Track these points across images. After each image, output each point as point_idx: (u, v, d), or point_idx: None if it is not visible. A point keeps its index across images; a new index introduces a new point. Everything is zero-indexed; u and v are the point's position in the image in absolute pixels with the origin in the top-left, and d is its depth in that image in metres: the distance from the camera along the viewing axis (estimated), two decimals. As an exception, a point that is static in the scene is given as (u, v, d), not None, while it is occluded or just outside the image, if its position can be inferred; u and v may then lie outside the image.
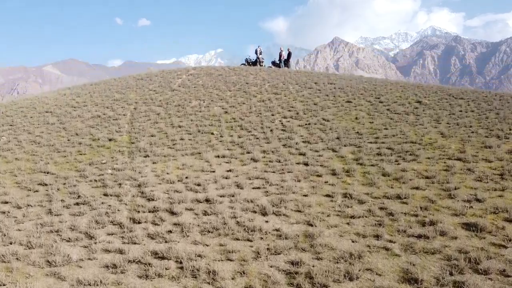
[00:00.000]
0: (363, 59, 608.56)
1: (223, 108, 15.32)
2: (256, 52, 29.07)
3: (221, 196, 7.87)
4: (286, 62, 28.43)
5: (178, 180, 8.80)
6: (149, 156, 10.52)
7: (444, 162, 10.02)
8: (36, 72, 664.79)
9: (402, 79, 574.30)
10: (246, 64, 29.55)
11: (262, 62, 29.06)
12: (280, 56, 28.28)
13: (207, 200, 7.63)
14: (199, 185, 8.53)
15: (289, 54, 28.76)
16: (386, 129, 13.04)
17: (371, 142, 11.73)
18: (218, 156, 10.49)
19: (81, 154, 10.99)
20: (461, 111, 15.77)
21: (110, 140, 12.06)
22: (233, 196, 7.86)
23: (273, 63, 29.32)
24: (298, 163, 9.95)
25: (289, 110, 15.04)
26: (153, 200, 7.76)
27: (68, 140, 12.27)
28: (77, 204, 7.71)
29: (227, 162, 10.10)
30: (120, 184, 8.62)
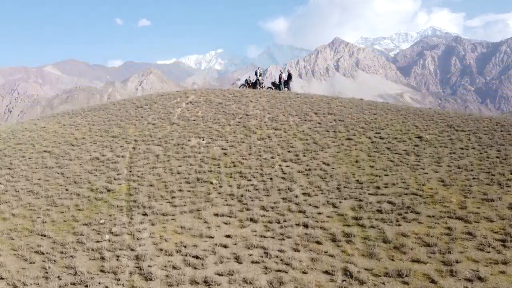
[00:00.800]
0: (363, 59, 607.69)
1: (222, 149, 15.21)
2: (256, 74, 28.98)
3: (219, 275, 7.78)
4: (286, 84, 28.33)
5: (177, 251, 8.71)
6: (147, 215, 10.42)
7: (445, 223, 9.93)
8: (37, 72, 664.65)
9: (402, 79, 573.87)
10: (246, 85, 29.47)
11: (262, 83, 28.97)
12: (280, 78, 28.19)
13: (205, 282, 7.55)
14: (197, 257, 8.43)
15: (289, 76, 28.68)
16: (387, 175, 12.94)
17: (371, 194, 11.64)
18: (217, 215, 10.40)
19: (79, 210, 10.89)
20: (462, 148, 15.67)
21: (108, 190, 11.95)
22: (231, 274, 7.78)
23: (273, 84, 29.24)
24: (298, 225, 9.86)
25: (289, 151, 14.93)
26: (151, 280, 7.67)
27: (66, 190, 12.18)
28: (73, 284, 7.62)
29: (226, 223, 10.01)
30: (117, 256, 8.52)
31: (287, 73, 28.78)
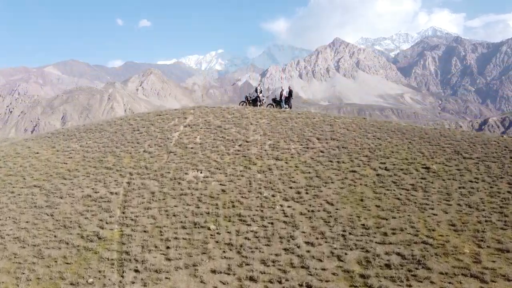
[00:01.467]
0: (363, 59, 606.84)
1: (221, 184, 14.50)
2: (256, 91, 28.29)
3: None
4: (287, 101, 27.65)
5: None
6: (139, 272, 9.72)
7: (460, 282, 9.25)
8: (37, 73, 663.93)
9: (403, 79, 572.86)
10: (246, 101, 28.77)
11: (263, 100, 28.27)
12: (281, 95, 27.51)
13: None
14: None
15: (290, 92, 27.98)
16: (394, 217, 12.25)
17: (379, 243, 10.95)
18: (215, 272, 9.70)
19: (67, 263, 10.20)
20: (471, 181, 14.98)
21: (99, 238, 11.26)
22: None
23: (274, 100, 28.54)
24: (301, 285, 9.17)
25: (291, 187, 14.23)
26: None
27: (55, 236, 11.48)
28: None
29: (223, 283, 9.32)
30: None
31: (288, 90, 28.08)
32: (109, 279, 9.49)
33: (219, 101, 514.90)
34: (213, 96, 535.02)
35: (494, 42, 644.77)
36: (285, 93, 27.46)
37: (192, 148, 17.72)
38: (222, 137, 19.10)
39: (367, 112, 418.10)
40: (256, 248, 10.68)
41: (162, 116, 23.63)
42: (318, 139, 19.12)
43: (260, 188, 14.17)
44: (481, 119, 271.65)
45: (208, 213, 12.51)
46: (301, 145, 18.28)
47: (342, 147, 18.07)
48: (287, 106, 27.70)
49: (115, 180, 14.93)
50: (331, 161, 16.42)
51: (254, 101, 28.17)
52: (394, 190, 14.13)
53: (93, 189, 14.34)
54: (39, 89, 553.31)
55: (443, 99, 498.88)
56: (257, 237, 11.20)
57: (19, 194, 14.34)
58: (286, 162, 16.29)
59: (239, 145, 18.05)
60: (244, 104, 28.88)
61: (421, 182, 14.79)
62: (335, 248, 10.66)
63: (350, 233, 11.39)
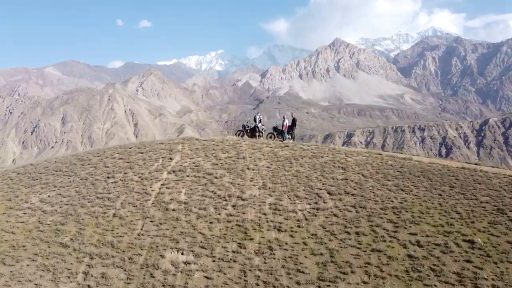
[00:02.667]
0: (364, 60, 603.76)
1: (206, 277, 11.04)
2: (255, 120, 24.88)
3: None
4: (290, 131, 24.23)
5: None
6: None
7: None
8: (37, 73, 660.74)
9: (403, 80, 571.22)
10: (243, 131, 25.37)
11: (262, 131, 24.85)
12: (283, 126, 24.06)
13: None
14: None
15: (293, 121, 24.53)
16: None
17: None
18: None
19: None
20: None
21: None
22: None
23: (275, 129, 25.12)
24: None
25: (298, 282, 10.77)
26: None
27: None
28: None
29: None
30: None
31: (291, 118, 24.65)
32: None
33: (219, 102, 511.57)
34: (213, 97, 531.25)
35: (494, 42, 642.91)
36: (286, 122, 24.03)
37: (174, 210, 14.24)
38: (213, 191, 15.62)
39: (367, 112, 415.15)
40: None
41: (144, 155, 20.16)
42: (329, 193, 15.65)
43: (257, 283, 10.72)
44: (482, 120, 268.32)
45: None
46: (309, 204, 14.81)
47: (360, 207, 14.61)
48: (289, 137, 24.31)
49: (67, 269, 11.45)
50: (348, 232, 12.96)
51: (252, 131, 24.84)
52: (434, 285, 10.70)
53: (36, 284, 10.86)
54: (39, 90, 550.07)
55: (443, 100, 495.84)
56: None
57: None
58: (292, 235, 12.82)
59: (233, 205, 14.56)
60: (241, 134, 25.56)
61: (468, 269, 11.36)
62: None
63: None
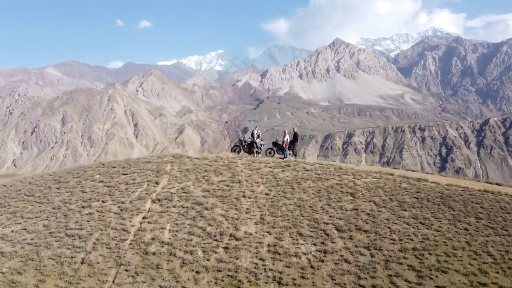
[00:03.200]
0: (364, 60, 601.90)
1: None
2: (252, 135, 22.65)
3: None
4: (292, 147, 21.99)
5: None
6: None
7: None
8: (37, 74, 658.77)
9: (403, 80, 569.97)
10: (240, 146, 23.15)
11: (261, 147, 22.61)
12: (283, 143, 21.78)
13: None
14: None
15: (294, 136, 22.28)
16: None
17: None
18: None
19: None
20: None
21: None
22: None
23: (275, 144, 22.89)
24: None
25: None
26: None
27: None
28: None
29: None
30: None
31: (293, 133, 22.40)
32: None
33: (219, 102, 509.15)
34: (213, 97, 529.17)
35: (494, 42, 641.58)
36: (288, 138, 21.76)
37: (154, 254, 11.96)
38: (202, 228, 13.34)
39: (368, 112, 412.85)
40: None
41: (128, 177, 17.90)
42: (338, 229, 13.39)
43: None
44: (482, 120, 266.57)
45: None
46: (315, 244, 12.54)
47: (375, 248, 12.37)
48: (290, 153, 22.09)
49: None
50: (362, 286, 10.72)
51: (249, 146, 22.61)
52: None
53: None
54: (39, 90, 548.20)
55: (443, 100, 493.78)
56: None
57: None
58: (295, 291, 10.57)
59: (225, 247, 12.28)
60: (238, 150, 23.34)
61: None
62: None
63: None
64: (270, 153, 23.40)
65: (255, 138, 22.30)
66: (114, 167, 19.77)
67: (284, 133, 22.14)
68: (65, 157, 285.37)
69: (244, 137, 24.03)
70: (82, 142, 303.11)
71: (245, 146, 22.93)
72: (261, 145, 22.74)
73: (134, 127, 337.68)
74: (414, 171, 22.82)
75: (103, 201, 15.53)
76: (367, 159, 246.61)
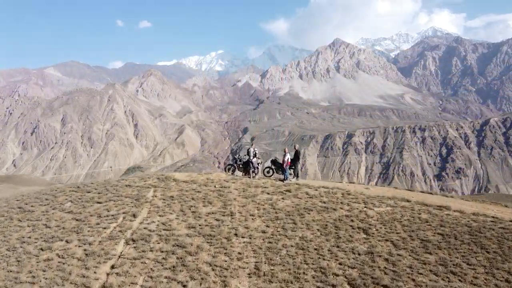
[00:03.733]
0: (364, 60, 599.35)
1: None
2: (248, 153, 20.03)
3: None
4: (293, 166, 19.40)
5: None
6: None
7: None
8: (37, 74, 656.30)
9: (403, 80, 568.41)
10: (234, 165, 20.57)
11: (258, 167, 20.02)
12: (284, 163, 19.14)
13: None
14: None
15: (296, 154, 19.68)
16: None
17: None
18: None
19: None
20: None
21: None
22: None
23: (274, 162, 20.30)
24: None
25: None
26: None
27: None
28: None
29: None
30: None
31: (294, 150, 19.82)
32: None
33: (219, 102, 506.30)
34: (213, 97, 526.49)
35: (494, 42, 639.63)
36: (288, 158, 19.13)
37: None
38: (182, 283, 10.76)
39: (368, 112, 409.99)
40: None
41: (102, 206, 15.31)
42: (351, 284, 10.82)
43: None
44: (482, 120, 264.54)
45: None
46: (323, 306, 9.98)
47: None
48: (291, 172, 19.53)
49: None
50: None
51: (245, 165, 20.06)
52: None
53: None
54: (39, 90, 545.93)
55: (443, 100, 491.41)
56: None
57: None
58: None
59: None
60: (232, 169, 20.77)
61: None
62: None
63: None
64: (268, 172, 20.96)
65: (252, 157, 19.73)
66: (89, 192, 17.18)
67: (285, 151, 19.44)
68: (65, 157, 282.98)
69: (239, 154, 21.41)
70: (82, 142, 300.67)
71: (240, 166, 20.47)
72: (258, 164, 20.23)
73: (134, 128, 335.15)
74: (432, 193, 20.23)
75: (67, 241, 12.93)
76: (367, 159, 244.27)
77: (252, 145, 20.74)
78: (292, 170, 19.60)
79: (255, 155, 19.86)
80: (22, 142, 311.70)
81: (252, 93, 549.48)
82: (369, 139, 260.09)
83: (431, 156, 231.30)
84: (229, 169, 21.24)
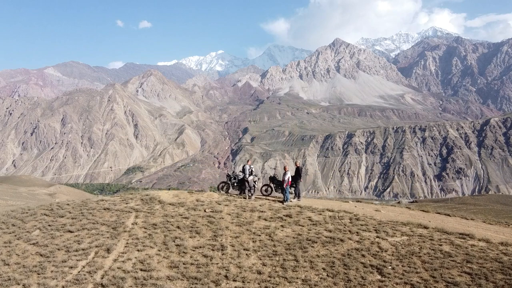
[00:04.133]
0: (364, 60, 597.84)
1: None
2: (244, 171, 17.91)
3: None
4: (295, 184, 17.30)
5: None
6: None
7: None
8: (37, 74, 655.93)
9: (403, 80, 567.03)
10: (229, 183, 18.46)
11: (254, 187, 17.89)
12: (284, 182, 16.97)
13: None
14: None
15: (297, 171, 17.55)
16: None
17: None
18: None
19: None
20: None
21: None
22: None
23: (273, 179, 18.17)
24: None
25: None
26: None
27: None
28: None
29: None
30: None
31: (295, 168, 17.70)
32: None
33: (220, 102, 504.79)
34: (213, 97, 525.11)
35: (494, 42, 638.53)
36: (289, 177, 16.97)
37: None
38: None
39: (368, 112, 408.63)
40: None
41: (72, 237, 13.20)
42: None
43: None
44: (483, 120, 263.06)
45: None
46: None
47: None
48: (292, 192, 17.44)
49: None
50: None
51: (240, 183, 18.06)
52: None
53: None
54: (39, 90, 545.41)
55: (444, 100, 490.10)
56: None
57: None
58: None
59: None
60: (226, 187, 18.73)
61: None
62: None
63: None
64: (266, 191, 18.86)
65: (247, 175, 17.68)
66: (61, 217, 15.06)
67: (285, 170, 17.13)
68: (65, 157, 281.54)
69: (234, 171, 19.36)
70: (82, 142, 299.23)
71: (235, 184, 18.45)
72: (255, 182, 18.17)
73: (134, 128, 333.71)
74: (449, 215, 18.10)
75: (24, 286, 10.82)
76: (367, 159, 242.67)
77: (248, 161, 18.59)
78: (293, 189, 17.51)
79: (251, 173, 17.83)
80: (22, 142, 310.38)
81: (252, 93, 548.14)
82: (369, 139, 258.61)
83: (432, 156, 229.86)
84: (222, 187, 19.18)
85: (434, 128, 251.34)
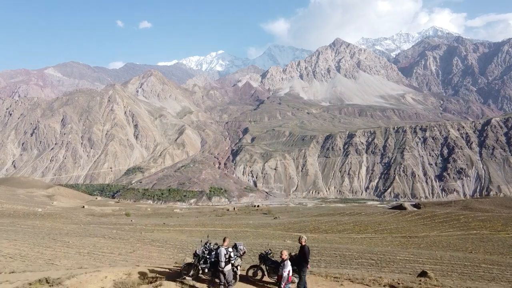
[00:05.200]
0: (364, 60, 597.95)
1: None
2: (218, 255, 12.36)
3: None
4: (299, 268, 12.62)
5: None
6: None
7: None
8: (38, 74, 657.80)
9: (404, 80, 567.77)
10: (197, 265, 13.16)
11: (236, 275, 12.88)
12: (282, 277, 11.87)
13: None
14: None
15: (302, 251, 12.67)
16: None
17: None
18: None
19: None
20: None
21: None
22: None
23: (264, 259, 13.77)
24: None
25: None
26: None
27: None
28: None
29: None
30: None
31: (300, 245, 12.79)
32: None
33: (220, 102, 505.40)
34: (214, 97, 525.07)
35: (495, 41, 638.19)
36: (289, 270, 11.92)
37: None
38: None
39: (369, 112, 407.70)
40: None
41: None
42: None
43: None
44: (483, 120, 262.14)
45: None
46: None
47: None
48: (294, 281, 12.62)
49: None
50: None
51: (213, 267, 12.72)
52: None
53: None
54: (40, 91, 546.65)
55: (444, 99, 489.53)
56: None
57: None
58: None
59: None
60: (192, 273, 13.05)
61: None
62: None
63: None
64: (255, 275, 13.69)
65: (222, 263, 12.07)
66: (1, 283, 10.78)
67: (282, 258, 12.18)
68: (65, 158, 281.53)
69: (206, 246, 13.36)
70: (82, 143, 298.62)
71: (206, 269, 12.98)
72: (235, 267, 12.81)
73: (134, 128, 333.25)
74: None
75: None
76: (368, 159, 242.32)
77: (224, 240, 12.76)
78: (294, 276, 12.65)
79: (229, 260, 12.20)
80: (22, 143, 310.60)
81: (252, 93, 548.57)
82: (370, 139, 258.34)
83: (433, 156, 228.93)
84: (186, 273, 13.13)
85: (435, 128, 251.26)
